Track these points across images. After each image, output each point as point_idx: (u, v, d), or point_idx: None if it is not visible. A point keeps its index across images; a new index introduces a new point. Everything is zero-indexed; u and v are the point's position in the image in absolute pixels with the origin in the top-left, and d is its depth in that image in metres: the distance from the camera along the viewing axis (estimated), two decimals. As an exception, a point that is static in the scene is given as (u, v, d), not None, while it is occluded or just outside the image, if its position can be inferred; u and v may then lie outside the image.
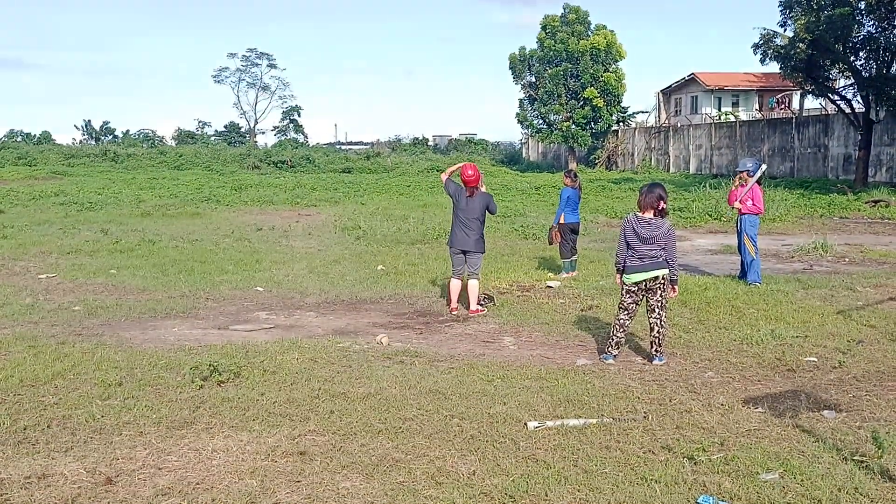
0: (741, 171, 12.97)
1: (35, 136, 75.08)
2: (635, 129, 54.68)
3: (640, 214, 8.24)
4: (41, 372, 7.42)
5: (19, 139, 72.72)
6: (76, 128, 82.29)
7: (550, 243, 13.98)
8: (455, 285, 11.05)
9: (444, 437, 5.83)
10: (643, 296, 8.24)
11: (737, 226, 13.10)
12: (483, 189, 11.14)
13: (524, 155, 69.03)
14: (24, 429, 5.99)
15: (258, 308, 11.31)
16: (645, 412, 6.42)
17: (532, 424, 6.05)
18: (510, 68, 54.42)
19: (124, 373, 7.44)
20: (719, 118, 48.89)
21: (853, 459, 5.36)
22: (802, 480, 5.05)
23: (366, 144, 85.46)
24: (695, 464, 5.34)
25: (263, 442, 5.68)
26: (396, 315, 10.90)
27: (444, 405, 6.54)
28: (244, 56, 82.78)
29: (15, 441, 5.73)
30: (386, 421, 6.12)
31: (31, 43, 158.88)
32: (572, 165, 52.86)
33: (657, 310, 8.16)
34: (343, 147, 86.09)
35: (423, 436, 5.84)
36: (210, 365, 7.24)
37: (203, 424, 6.07)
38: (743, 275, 12.72)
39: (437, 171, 49.78)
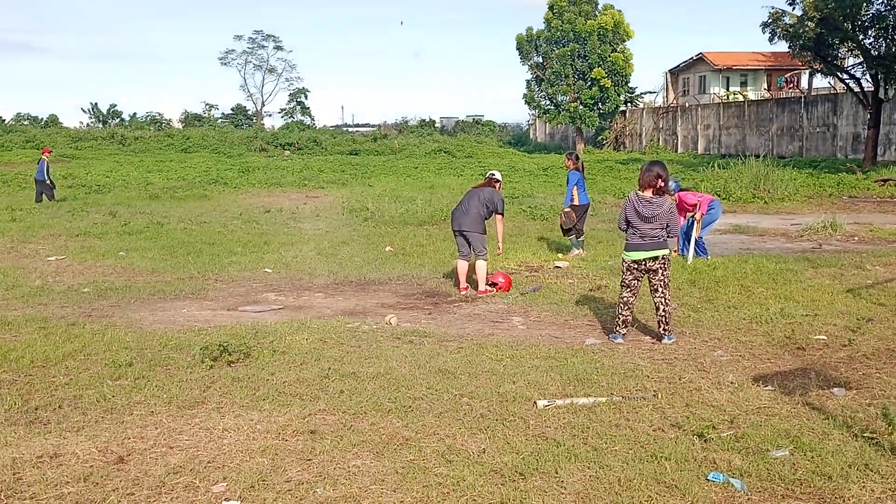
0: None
1: (42, 119, 75.03)
2: (643, 109, 54.47)
3: (640, 193, 8.23)
4: (52, 353, 7.45)
5: (26, 122, 72.69)
6: (83, 111, 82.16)
7: (564, 229, 13.84)
8: (462, 266, 11.04)
9: (453, 415, 5.85)
10: (644, 274, 8.24)
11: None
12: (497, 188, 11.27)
13: (531, 136, 68.84)
14: (36, 409, 6.02)
15: (267, 289, 11.33)
16: (654, 390, 6.41)
17: (541, 403, 6.06)
18: (517, 49, 54.22)
19: (135, 353, 7.47)
20: (728, 98, 48.67)
21: (863, 436, 5.35)
22: (812, 457, 5.05)
23: (373, 126, 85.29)
24: (705, 441, 5.34)
25: (274, 421, 5.70)
26: (405, 296, 10.91)
27: (453, 384, 6.55)
28: (250, 38, 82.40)
29: (27, 421, 5.76)
30: (396, 400, 6.13)
31: (38, 27, 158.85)
32: (579, 146, 52.77)
33: (660, 289, 8.16)
34: (350, 129, 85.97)
35: (433, 414, 5.85)
36: (220, 345, 7.26)
37: (214, 404, 6.09)
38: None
39: (445, 152, 49.72)
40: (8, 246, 14.95)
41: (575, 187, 13.65)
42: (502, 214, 11.20)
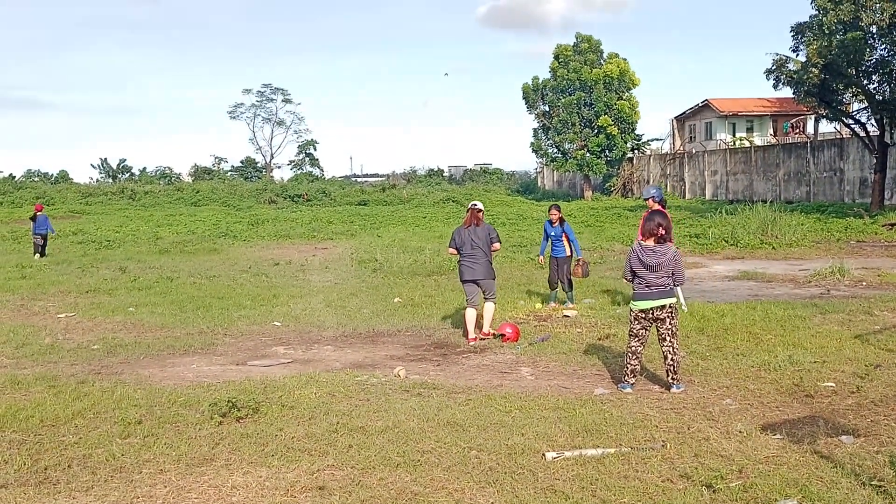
0: (647, 199, 12.83)
1: (53, 175, 75.83)
2: (650, 156, 54.77)
3: (643, 242, 8.30)
4: (61, 411, 7.49)
5: (37, 179, 73.45)
6: (93, 167, 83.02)
7: (585, 276, 14.05)
8: (470, 315, 11.12)
9: (462, 469, 5.85)
10: (652, 323, 8.27)
11: None
12: (484, 222, 11.42)
13: (539, 184, 69.17)
14: (45, 469, 6.04)
15: (276, 343, 11.38)
16: (663, 441, 6.40)
17: (550, 455, 6.06)
18: (523, 98, 54.75)
19: (144, 410, 7.50)
20: (734, 144, 48.90)
21: (871, 484, 5.33)
22: (822, 507, 5.03)
23: (381, 176, 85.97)
24: (713, 492, 5.32)
25: (283, 477, 5.71)
26: (414, 347, 10.94)
27: (462, 437, 6.56)
28: (259, 92, 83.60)
29: (36, 481, 5.78)
30: (404, 454, 6.13)
31: (46, 83, 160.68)
32: (587, 193, 53.02)
33: (668, 338, 8.18)
34: (359, 179, 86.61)
35: (442, 468, 5.86)
36: (229, 401, 7.29)
37: (222, 461, 6.10)
38: None
39: (453, 201, 49.96)
40: (18, 304, 15.05)
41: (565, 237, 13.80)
42: (499, 245, 11.51)
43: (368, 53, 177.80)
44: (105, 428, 6.99)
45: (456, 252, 11.41)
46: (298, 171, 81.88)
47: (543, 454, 6.11)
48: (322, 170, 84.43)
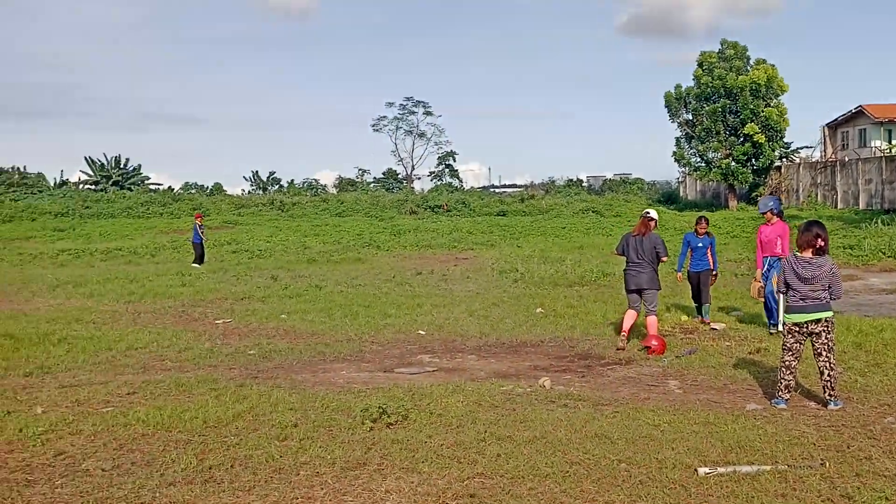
0: (764, 212, 12.18)
1: (208, 187, 79.56)
2: (799, 164, 52.60)
3: (799, 254, 8.02)
4: (223, 413, 7.85)
5: (194, 191, 77.21)
6: (245, 179, 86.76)
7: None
8: (630, 315, 11.43)
9: (612, 482, 5.80)
10: (806, 337, 7.97)
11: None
12: (653, 232, 11.40)
13: (682, 194, 67.54)
14: (210, 468, 6.34)
15: (421, 351, 11.58)
16: (822, 459, 6.16)
17: (703, 470, 5.93)
18: (666, 106, 53.61)
19: (299, 414, 7.78)
20: (890, 151, 46.39)
21: None
22: None
23: (519, 187, 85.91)
24: (880, 516, 5.09)
25: (434, 484, 5.81)
26: (557, 358, 10.91)
27: (610, 449, 6.50)
28: (401, 105, 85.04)
29: (202, 480, 6.07)
30: (553, 465, 6.13)
31: (202, 100, 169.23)
32: (732, 203, 51.37)
33: (824, 353, 7.87)
34: (497, 190, 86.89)
35: (591, 480, 5.82)
36: (379, 407, 7.47)
37: (375, 466, 6.26)
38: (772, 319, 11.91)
39: (593, 212, 49.48)
40: (179, 310, 15.89)
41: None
42: (665, 258, 11.38)
43: (507, 63, 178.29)
44: (263, 430, 7.28)
45: (619, 255, 11.60)
46: (438, 182, 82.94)
47: (695, 469, 5.99)
48: (461, 180, 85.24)
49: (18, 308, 16.30)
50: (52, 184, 73.18)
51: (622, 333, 11.23)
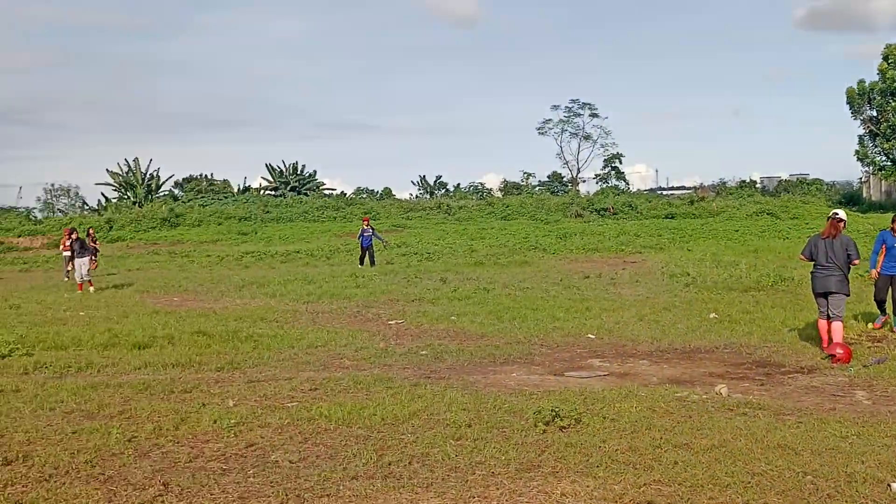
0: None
1: (378, 192, 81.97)
2: None
3: None
4: (399, 411, 8.07)
5: (364, 196, 79.77)
6: (413, 184, 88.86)
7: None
8: (822, 325, 11.02)
9: (798, 494, 5.58)
10: None
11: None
12: (843, 233, 10.96)
13: (864, 195, 63.85)
14: (389, 464, 6.54)
15: (591, 355, 11.49)
16: None
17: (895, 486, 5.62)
18: (847, 103, 50.96)
19: (472, 415, 7.90)
20: None
21: None
22: None
23: (688, 189, 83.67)
24: None
25: (610, 489, 5.78)
26: (734, 365, 10.57)
27: (794, 461, 6.26)
28: (567, 107, 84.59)
29: (382, 475, 6.28)
30: (734, 475, 5.96)
31: (373, 108, 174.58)
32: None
33: None
34: (665, 192, 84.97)
35: (776, 492, 5.63)
36: (551, 410, 7.48)
37: (549, 468, 6.29)
38: None
39: (768, 214, 47.57)
40: (354, 310, 16.44)
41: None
42: (857, 261, 10.98)
43: (676, 62, 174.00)
44: (438, 429, 7.45)
45: (807, 259, 11.19)
46: (604, 185, 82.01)
47: (888, 485, 5.68)
48: (627, 183, 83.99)
49: (209, 307, 17.34)
50: (236, 190, 77.31)
51: (824, 344, 10.80)
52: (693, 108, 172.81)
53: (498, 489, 5.89)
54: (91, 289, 21.20)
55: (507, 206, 59.45)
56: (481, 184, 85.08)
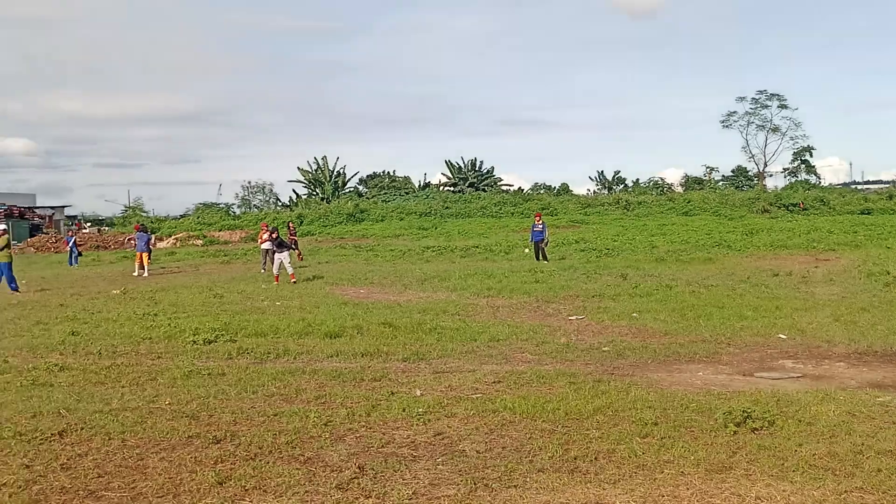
0: None
1: (555, 187, 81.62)
2: None
3: None
4: (583, 406, 8.07)
5: (542, 191, 79.63)
6: (590, 179, 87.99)
7: None
8: None
9: None
10: None
11: None
12: None
13: None
14: (575, 458, 6.56)
15: (782, 356, 11.05)
16: None
17: None
18: None
19: (658, 413, 7.78)
20: None
21: None
22: None
23: (886, 183, 78.62)
24: None
25: (808, 495, 5.56)
26: (943, 371, 9.88)
27: None
28: (753, 99, 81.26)
29: (568, 469, 6.31)
30: (945, 486, 5.61)
31: (550, 103, 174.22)
32: None
33: None
34: (860, 187, 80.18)
35: None
36: (743, 411, 7.26)
37: (742, 470, 6.12)
38: None
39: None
40: (535, 305, 16.50)
41: None
42: None
43: (873, 49, 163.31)
44: (623, 426, 7.39)
45: None
46: (793, 179, 78.33)
47: None
48: (819, 177, 79.79)
49: (394, 299, 17.89)
50: (416, 186, 79.14)
51: None
52: (891, 97, 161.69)
53: (688, 489, 5.79)
54: (293, 281, 22.18)
55: (689, 202, 57.86)
56: (661, 178, 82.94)
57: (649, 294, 17.57)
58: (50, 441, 7.17)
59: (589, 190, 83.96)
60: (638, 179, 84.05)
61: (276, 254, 22.91)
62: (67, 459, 6.65)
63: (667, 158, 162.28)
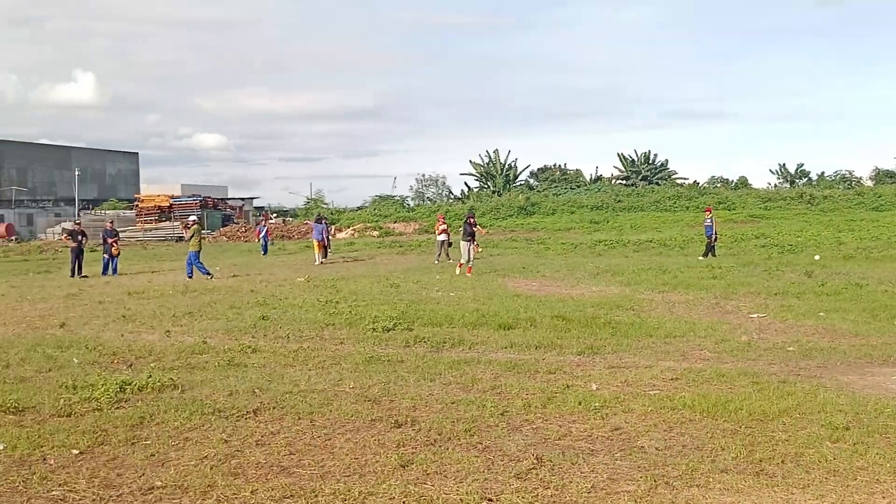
0: None
1: (732, 181, 78.72)
2: None
3: None
4: (767, 407, 7.78)
5: (719, 185, 77.05)
6: (771, 172, 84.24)
7: None
8: None
9: None
10: None
11: None
12: None
13: None
14: (760, 461, 6.33)
15: None
16: None
17: None
18: None
19: (850, 417, 7.41)
20: None
21: None
22: None
23: None
24: None
25: None
26: None
27: None
28: (954, 85, 75.44)
29: (753, 472, 6.09)
30: None
31: (727, 94, 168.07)
32: None
33: None
34: None
35: None
36: (946, 420, 6.82)
37: (946, 481, 5.75)
38: None
39: None
40: (712, 302, 16.03)
41: None
42: None
43: None
44: (812, 430, 7.08)
45: None
46: None
47: None
48: None
49: (566, 292, 17.84)
50: (587, 179, 78.42)
51: None
52: None
53: (884, 497, 5.50)
54: (468, 274, 22.22)
55: (880, 196, 54.53)
56: (849, 172, 78.30)
57: (837, 293, 16.71)
58: (245, 418, 7.63)
59: (769, 183, 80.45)
60: (823, 173, 79.82)
61: (464, 243, 22.87)
62: (262, 436, 7.06)
63: (855, 151, 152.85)
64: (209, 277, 23.13)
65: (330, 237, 33.01)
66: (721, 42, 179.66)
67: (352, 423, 7.46)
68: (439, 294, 17.69)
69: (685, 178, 79.16)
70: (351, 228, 53.87)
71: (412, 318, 13.57)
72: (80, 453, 6.69)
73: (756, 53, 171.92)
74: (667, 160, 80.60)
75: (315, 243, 29.70)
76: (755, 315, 14.20)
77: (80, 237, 26.31)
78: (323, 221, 30.53)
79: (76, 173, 77.96)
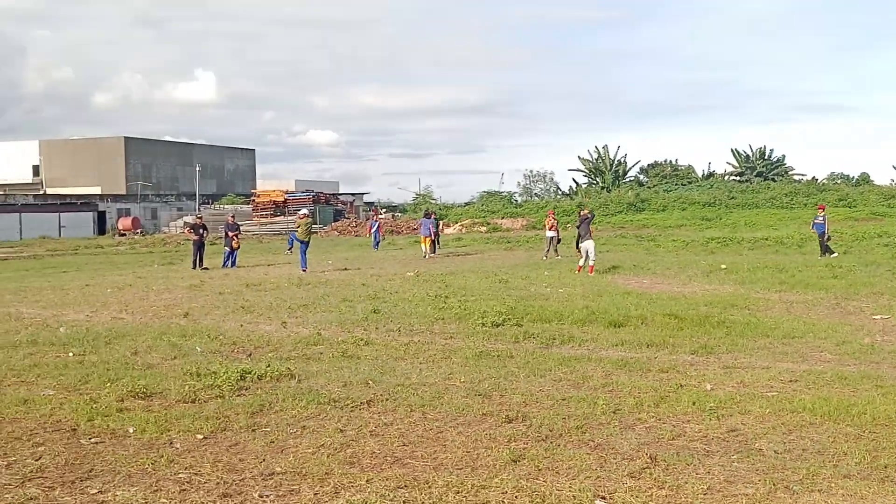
0: None
1: (853, 177, 75.69)
2: None
3: None
4: (892, 412, 7.47)
5: (839, 181, 74.17)
6: (894, 168, 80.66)
7: None
8: None
9: None
10: None
11: None
12: None
13: None
14: (885, 467, 6.11)
15: None
16: None
17: None
18: None
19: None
20: None
21: None
22: None
23: None
24: None
25: None
26: None
27: None
28: None
29: (879, 478, 5.87)
30: None
31: (850, 87, 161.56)
32: None
33: None
34: None
35: None
36: None
37: None
38: None
39: None
40: (833, 302, 15.48)
41: None
42: None
43: None
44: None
45: None
46: None
47: None
48: None
49: (678, 290, 17.53)
50: (699, 175, 76.71)
51: None
52: None
53: None
54: (591, 274, 21.36)
55: None
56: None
57: (966, 296, 15.90)
58: (360, 409, 7.81)
59: (892, 180, 76.97)
60: (952, 169, 75.88)
61: (581, 241, 22.18)
62: (375, 427, 7.22)
63: None
64: (304, 271, 23.75)
65: (439, 233, 33.31)
66: (845, 35, 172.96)
67: (463, 416, 7.54)
68: (548, 290, 17.64)
69: (803, 175, 76.62)
70: (459, 224, 54.18)
71: (521, 313, 13.58)
72: (205, 438, 6.98)
73: (881, 46, 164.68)
74: (783, 156, 78.21)
75: (423, 238, 30.07)
76: (878, 316, 13.65)
77: (201, 230, 27.36)
78: (431, 217, 30.85)
79: (197, 169, 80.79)
